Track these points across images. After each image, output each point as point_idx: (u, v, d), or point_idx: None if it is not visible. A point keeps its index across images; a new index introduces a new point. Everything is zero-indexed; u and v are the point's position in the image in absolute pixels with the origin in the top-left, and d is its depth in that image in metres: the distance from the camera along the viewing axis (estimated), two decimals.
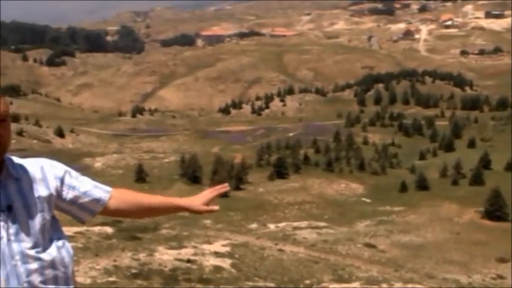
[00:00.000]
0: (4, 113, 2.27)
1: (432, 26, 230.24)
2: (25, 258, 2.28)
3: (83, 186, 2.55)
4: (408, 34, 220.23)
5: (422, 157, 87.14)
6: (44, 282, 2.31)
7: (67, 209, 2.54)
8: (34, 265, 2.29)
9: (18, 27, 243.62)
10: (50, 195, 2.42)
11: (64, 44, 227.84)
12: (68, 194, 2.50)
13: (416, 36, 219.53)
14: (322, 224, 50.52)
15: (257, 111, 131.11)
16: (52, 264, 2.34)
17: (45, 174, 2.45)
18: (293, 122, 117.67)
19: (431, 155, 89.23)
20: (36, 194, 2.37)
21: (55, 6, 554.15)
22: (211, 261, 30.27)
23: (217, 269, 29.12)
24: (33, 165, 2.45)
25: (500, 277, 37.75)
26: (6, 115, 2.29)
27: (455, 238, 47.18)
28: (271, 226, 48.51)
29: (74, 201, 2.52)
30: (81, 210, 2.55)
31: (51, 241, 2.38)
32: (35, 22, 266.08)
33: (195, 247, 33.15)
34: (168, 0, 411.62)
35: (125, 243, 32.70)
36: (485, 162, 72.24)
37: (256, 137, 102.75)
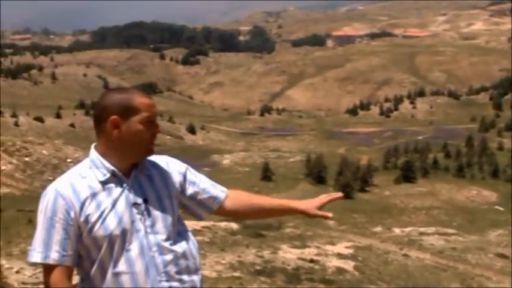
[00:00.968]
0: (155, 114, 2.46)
1: None
2: (161, 249, 2.38)
3: (202, 183, 2.64)
4: None
5: None
6: (178, 272, 2.42)
7: (187, 204, 2.63)
8: (169, 256, 2.40)
9: (158, 27, 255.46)
10: (176, 190, 2.54)
11: (199, 44, 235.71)
12: (189, 190, 2.59)
13: None
14: (451, 231, 48.73)
15: (385, 113, 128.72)
16: (184, 255, 2.45)
17: (170, 169, 2.55)
18: (423, 125, 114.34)
19: None
20: (165, 188, 2.48)
21: (194, 7, 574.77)
22: (334, 263, 30.14)
23: (340, 270, 28.96)
24: (160, 161, 2.55)
25: None
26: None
27: None
28: (397, 230, 47.44)
29: (193, 197, 2.61)
30: (199, 207, 2.64)
31: (180, 233, 2.49)
32: (174, 22, 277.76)
33: (318, 247, 33.16)
34: (300, 0, 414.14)
35: (249, 239, 33.31)
36: None
37: (384, 139, 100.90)
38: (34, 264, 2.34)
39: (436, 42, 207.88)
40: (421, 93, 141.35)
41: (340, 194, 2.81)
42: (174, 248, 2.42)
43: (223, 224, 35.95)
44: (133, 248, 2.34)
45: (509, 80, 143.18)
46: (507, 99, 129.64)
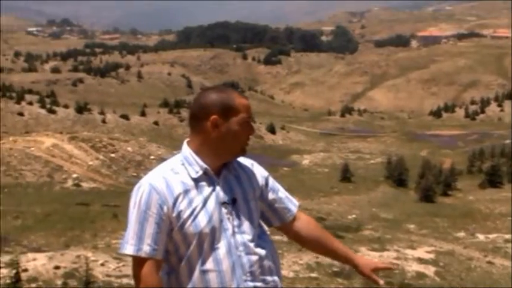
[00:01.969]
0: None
1: None
2: (247, 249, 2.41)
3: (280, 192, 2.65)
4: None
5: None
6: (262, 273, 2.44)
7: (263, 210, 2.62)
8: (255, 256, 2.42)
9: (241, 27, 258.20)
10: (258, 194, 2.56)
11: (281, 44, 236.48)
12: (269, 196, 2.61)
13: None
14: None
15: (471, 116, 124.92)
16: (267, 256, 2.47)
17: (255, 172, 2.58)
18: (510, 128, 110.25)
19: None
20: (251, 190, 2.51)
21: (277, 7, 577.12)
22: (414, 267, 29.58)
23: (420, 275, 28.40)
24: (247, 163, 2.59)
25: None
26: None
27: None
28: (480, 236, 45.97)
29: (270, 204, 2.62)
30: (273, 215, 2.65)
31: (261, 234, 2.51)
32: (257, 22, 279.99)
33: (397, 251, 32.62)
34: (385, 0, 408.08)
35: None
36: None
37: (469, 142, 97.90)
38: (124, 256, 2.38)
39: None
40: (509, 96, 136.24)
41: (391, 267, 2.90)
42: (258, 248, 2.44)
43: None
44: (221, 247, 2.37)
45: None
46: None
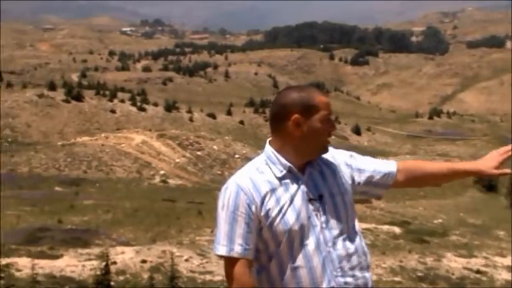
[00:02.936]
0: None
1: None
2: (336, 245, 2.41)
3: (370, 165, 2.61)
4: None
5: None
6: (351, 268, 2.43)
7: (363, 191, 2.61)
8: (343, 252, 2.42)
9: (329, 28, 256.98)
10: (346, 183, 2.52)
11: (369, 44, 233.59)
12: (361, 177, 2.57)
13: None
14: None
15: None
16: (356, 251, 2.46)
17: (337, 162, 2.54)
18: None
19: None
20: (336, 185, 2.48)
21: (367, 7, 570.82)
22: (504, 275, 28.54)
23: (510, 284, 27.42)
24: (330, 156, 2.54)
25: None
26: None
27: None
28: None
29: (368, 182, 2.58)
30: (376, 188, 2.62)
31: (352, 230, 2.49)
32: (345, 22, 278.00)
33: (486, 258, 31.58)
34: (479, 0, 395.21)
35: (412, 245, 32.56)
36: None
37: None
38: (220, 257, 2.43)
39: None
40: None
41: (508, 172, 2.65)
42: (347, 244, 2.44)
43: (385, 228, 35.46)
44: (310, 243, 2.38)
45: None
46: None
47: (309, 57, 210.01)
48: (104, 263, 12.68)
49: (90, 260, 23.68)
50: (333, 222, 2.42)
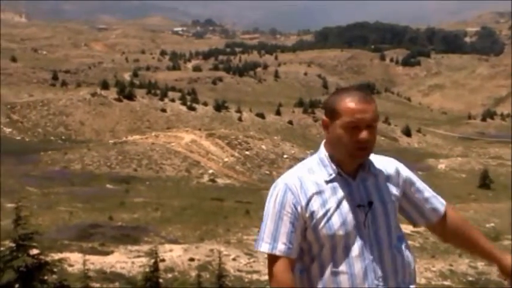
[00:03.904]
0: (371, 121, 2.33)
1: None
2: (381, 254, 2.38)
3: (426, 192, 2.54)
4: None
5: None
6: (395, 278, 2.41)
7: (407, 209, 2.55)
8: (388, 261, 2.39)
9: (380, 28, 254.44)
10: (399, 195, 2.47)
11: (421, 45, 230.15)
12: (414, 196, 2.52)
13: None
14: None
15: None
16: (402, 261, 2.43)
17: (396, 173, 2.48)
18: None
19: None
20: (390, 193, 2.43)
21: (420, 7, 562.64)
22: None
23: None
24: (386, 164, 2.49)
25: None
26: (374, 121, 2.36)
27: None
28: None
29: (415, 204, 2.53)
30: (418, 215, 2.56)
31: (399, 239, 2.45)
32: (397, 23, 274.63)
33: None
34: None
35: None
36: None
37: None
38: (261, 253, 2.45)
39: None
40: None
41: None
42: (394, 253, 2.41)
43: None
44: (354, 250, 2.36)
45: None
46: None
47: (359, 57, 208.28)
48: (152, 260, 12.92)
49: (139, 256, 24.11)
50: (381, 230, 2.40)
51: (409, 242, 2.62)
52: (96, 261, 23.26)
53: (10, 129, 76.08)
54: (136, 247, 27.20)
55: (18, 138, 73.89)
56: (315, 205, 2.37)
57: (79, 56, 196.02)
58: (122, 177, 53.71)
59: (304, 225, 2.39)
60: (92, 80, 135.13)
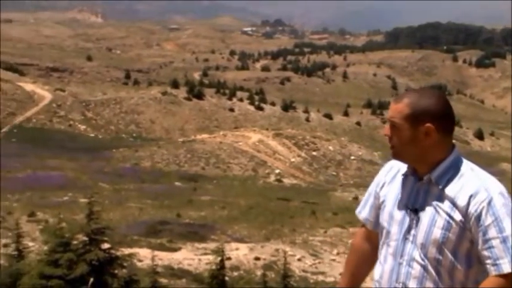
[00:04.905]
0: (389, 117, 2.34)
1: None
2: (412, 261, 2.32)
3: (494, 241, 2.16)
4: None
5: None
6: None
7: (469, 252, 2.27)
8: (416, 272, 2.31)
9: (453, 28, 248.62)
10: (462, 223, 2.24)
11: (496, 46, 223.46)
12: (477, 235, 2.21)
13: None
14: None
15: None
16: (431, 278, 2.30)
17: (466, 201, 2.23)
18: None
19: None
20: (449, 209, 2.26)
21: (495, 6, 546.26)
22: None
23: None
24: (466, 184, 2.26)
25: None
26: (392, 118, 2.33)
27: None
28: None
29: (475, 245, 2.23)
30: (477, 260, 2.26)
31: (436, 263, 2.30)
32: (472, 23, 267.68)
33: None
34: None
35: None
36: None
37: None
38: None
39: None
40: None
41: None
42: (428, 266, 2.30)
43: None
44: (391, 247, 2.38)
45: None
46: None
47: (430, 58, 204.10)
48: (219, 258, 13.10)
49: (206, 254, 24.46)
50: (419, 238, 2.31)
51: None
52: (164, 257, 23.75)
53: (84, 127, 78.51)
54: (203, 245, 27.61)
55: (92, 135, 76.17)
56: (382, 192, 2.47)
57: (151, 56, 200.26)
58: (190, 175, 54.56)
59: (378, 204, 2.49)
60: (163, 79, 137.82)
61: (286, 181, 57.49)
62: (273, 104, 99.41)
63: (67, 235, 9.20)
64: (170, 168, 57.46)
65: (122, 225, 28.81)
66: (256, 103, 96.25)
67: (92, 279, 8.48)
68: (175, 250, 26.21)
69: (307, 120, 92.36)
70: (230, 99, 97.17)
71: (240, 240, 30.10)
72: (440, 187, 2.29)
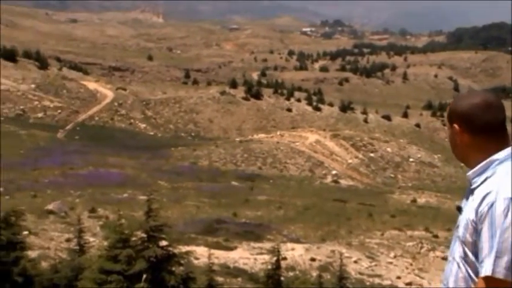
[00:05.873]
0: (447, 117, 2.39)
1: None
2: (453, 260, 2.35)
3: (484, 242, 2.21)
4: None
5: None
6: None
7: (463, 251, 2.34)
8: (454, 270, 2.34)
9: None
10: (474, 223, 2.26)
11: None
12: (470, 239, 2.28)
13: None
14: None
15: None
16: (464, 277, 2.31)
17: (478, 203, 2.25)
18: None
19: None
20: (469, 211, 2.28)
21: None
22: None
23: None
24: (488, 186, 2.26)
25: None
26: (447, 120, 2.38)
27: None
28: None
29: (469, 247, 2.29)
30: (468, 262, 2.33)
31: (456, 260, 2.34)
32: None
33: None
34: None
35: None
36: None
37: None
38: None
39: None
40: None
41: None
42: (460, 263, 2.32)
43: None
44: (451, 245, 2.41)
45: None
46: None
47: (495, 59, 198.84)
48: (274, 258, 13.14)
49: (261, 253, 24.57)
50: (458, 238, 2.34)
51: None
52: (221, 256, 23.96)
53: (144, 125, 80.00)
54: (259, 244, 27.72)
55: (152, 133, 77.54)
56: None
57: (210, 56, 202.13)
58: (247, 174, 54.85)
59: None
60: (222, 79, 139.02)
61: (343, 182, 57.11)
62: (330, 104, 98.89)
63: (126, 231, 9.40)
64: (227, 168, 57.90)
65: (180, 223, 29.21)
66: (314, 103, 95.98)
67: (144, 276, 8.64)
68: (231, 249, 26.40)
69: (365, 121, 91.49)
70: (288, 99, 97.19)
71: (296, 240, 30.08)
72: (472, 187, 2.32)
